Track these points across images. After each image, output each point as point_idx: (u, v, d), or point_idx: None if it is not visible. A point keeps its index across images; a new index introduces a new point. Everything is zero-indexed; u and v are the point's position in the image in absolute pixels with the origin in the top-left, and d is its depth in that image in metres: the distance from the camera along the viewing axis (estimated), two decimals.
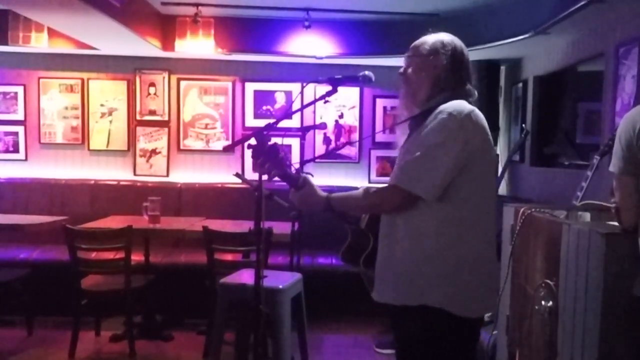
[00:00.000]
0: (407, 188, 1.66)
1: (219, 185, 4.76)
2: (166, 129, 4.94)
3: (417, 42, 1.83)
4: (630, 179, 1.75)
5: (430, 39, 1.80)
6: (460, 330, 1.70)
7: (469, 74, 1.79)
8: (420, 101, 1.79)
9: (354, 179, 4.96)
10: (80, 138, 4.92)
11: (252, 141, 1.79)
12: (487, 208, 1.73)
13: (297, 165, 1.93)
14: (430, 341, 1.70)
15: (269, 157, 1.77)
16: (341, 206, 1.83)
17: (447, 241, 1.66)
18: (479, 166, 1.68)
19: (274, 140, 1.80)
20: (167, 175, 4.93)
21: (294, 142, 4.73)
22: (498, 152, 4.75)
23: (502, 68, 4.70)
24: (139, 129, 4.94)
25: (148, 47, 4.27)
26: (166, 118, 4.94)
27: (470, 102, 1.75)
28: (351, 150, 4.99)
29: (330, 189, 5.30)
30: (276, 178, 1.81)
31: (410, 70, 1.81)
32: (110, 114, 4.93)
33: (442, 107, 1.68)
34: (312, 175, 1.88)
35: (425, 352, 1.72)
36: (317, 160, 2.13)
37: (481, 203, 1.71)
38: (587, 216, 2.28)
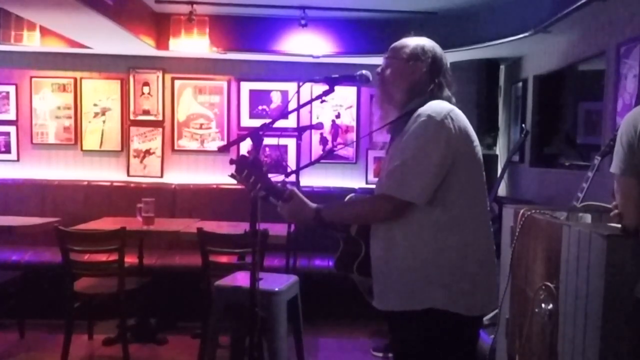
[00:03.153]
0: (397, 195, 1.66)
1: (214, 186, 4.73)
2: (160, 129, 4.91)
3: (397, 44, 1.83)
4: (632, 180, 1.75)
5: (411, 43, 1.81)
6: (464, 330, 1.72)
7: (449, 81, 1.80)
8: (396, 103, 1.80)
9: (351, 180, 4.94)
10: (73, 138, 4.89)
11: (247, 147, 1.79)
12: (480, 206, 1.74)
13: (285, 175, 1.92)
14: (434, 343, 1.70)
15: (253, 170, 1.76)
16: (332, 217, 1.82)
17: (445, 243, 1.67)
18: (465, 165, 1.69)
19: (266, 141, 1.81)
20: (162, 176, 4.90)
21: (290, 143, 4.70)
22: (497, 152, 4.74)
23: (502, 67, 4.69)
24: (133, 129, 4.91)
25: (142, 45, 4.25)
26: (160, 118, 4.91)
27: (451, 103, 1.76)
28: (348, 151, 4.96)
29: (327, 190, 5.29)
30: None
31: (388, 71, 1.81)
32: (103, 113, 4.90)
33: (421, 110, 1.69)
34: (302, 189, 1.88)
35: (429, 355, 1.71)
36: (312, 164, 2.12)
37: (473, 201, 1.72)
38: (587, 217, 2.30)
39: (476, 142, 1.75)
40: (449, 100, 1.77)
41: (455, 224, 1.68)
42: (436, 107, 1.69)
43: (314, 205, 1.81)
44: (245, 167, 1.76)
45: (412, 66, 1.77)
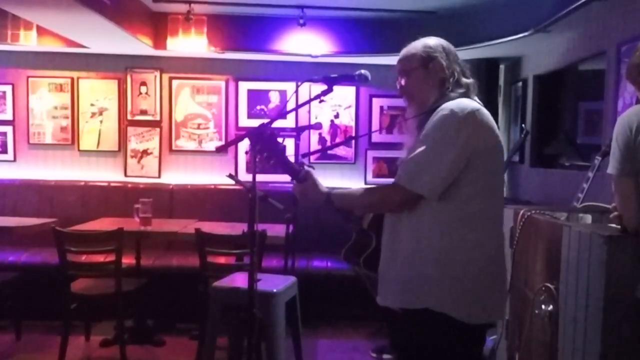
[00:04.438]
0: (407, 186, 1.64)
1: (212, 187, 4.71)
2: (158, 129, 4.89)
3: (405, 54, 1.80)
4: (630, 180, 1.75)
5: (417, 48, 1.77)
6: (464, 335, 1.66)
7: (463, 67, 1.77)
8: (428, 106, 1.75)
9: (350, 180, 4.92)
10: (70, 138, 4.86)
11: (245, 148, 1.76)
12: (493, 209, 1.69)
13: (302, 155, 1.89)
14: (432, 346, 1.67)
15: (267, 145, 1.74)
16: (341, 202, 1.80)
17: (452, 242, 1.63)
18: (484, 165, 1.65)
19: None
20: (159, 177, 4.88)
21: (289, 143, 4.64)
22: None
23: (502, 67, 4.67)
24: (130, 129, 4.88)
25: (139, 45, 4.22)
26: (158, 118, 4.89)
27: (475, 100, 1.73)
28: (347, 151, 4.95)
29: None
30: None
31: (409, 84, 1.77)
32: (100, 113, 4.87)
33: (445, 104, 1.66)
34: (314, 169, 1.85)
35: (427, 357, 1.68)
36: (312, 154, 2.12)
37: (487, 203, 1.67)
38: (588, 218, 2.30)
39: (501, 144, 1.71)
40: (474, 87, 1.74)
41: (465, 224, 1.63)
42: (461, 103, 1.66)
43: (326, 188, 1.80)
44: (260, 141, 1.74)
45: (433, 67, 1.74)
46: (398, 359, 1.85)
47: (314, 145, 4.92)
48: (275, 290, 2.82)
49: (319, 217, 4.01)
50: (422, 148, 1.63)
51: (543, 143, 4.06)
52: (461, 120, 1.61)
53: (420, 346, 1.68)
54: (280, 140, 1.76)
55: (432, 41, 1.78)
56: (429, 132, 1.64)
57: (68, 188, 4.64)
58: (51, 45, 4.37)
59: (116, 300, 3.32)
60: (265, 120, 1.87)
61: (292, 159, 1.79)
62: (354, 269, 1.92)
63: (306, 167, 1.82)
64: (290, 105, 4.42)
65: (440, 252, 1.63)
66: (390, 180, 1.75)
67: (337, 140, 4.92)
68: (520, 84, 4.36)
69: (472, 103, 1.68)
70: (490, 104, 4.37)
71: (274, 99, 4.90)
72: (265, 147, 1.74)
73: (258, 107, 4.89)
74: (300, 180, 1.80)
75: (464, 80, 1.73)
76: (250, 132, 1.75)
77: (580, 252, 1.85)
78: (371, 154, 4.94)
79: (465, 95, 1.71)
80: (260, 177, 1.87)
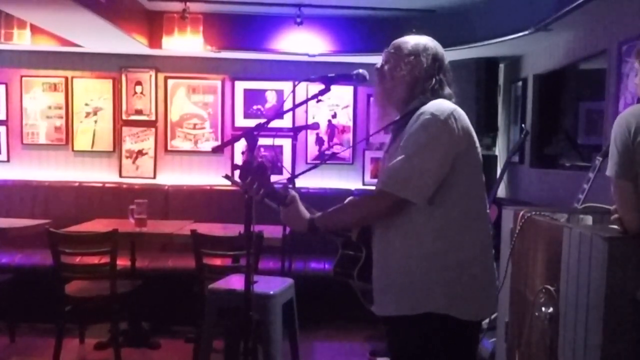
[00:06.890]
0: (394, 192, 1.64)
1: (208, 188, 4.68)
2: (153, 129, 4.86)
3: (398, 40, 1.82)
4: (628, 182, 1.73)
5: (413, 40, 1.80)
6: (463, 335, 1.70)
7: (450, 79, 1.79)
8: (396, 101, 1.78)
9: (347, 181, 4.90)
10: (64, 138, 4.84)
11: (241, 148, 1.76)
12: (479, 209, 1.72)
13: (287, 180, 1.90)
14: (433, 348, 1.68)
15: (256, 176, 1.73)
16: (327, 224, 1.78)
17: (445, 246, 1.65)
18: (467, 166, 1.67)
19: (261, 142, 1.79)
20: (154, 177, 4.85)
21: (286, 143, 4.65)
22: (497, 153, 4.71)
23: (501, 66, 4.66)
24: (125, 129, 4.86)
25: (134, 44, 4.21)
26: (153, 118, 4.86)
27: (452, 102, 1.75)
28: (345, 152, 4.92)
29: (324, 192, 5.24)
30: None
31: (387, 67, 1.80)
32: (95, 113, 4.84)
33: (424, 108, 1.67)
34: (300, 191, 1.85)
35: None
36: (309, 167, 2.13)
37: (473, 204, 1.70)
38: (588, 219, 2.30)
39: (477, 143, 1.73)
40: (450, 98, 1.75)
41: (455, 226, 1.65)
42: (440, 105, 1.67)
43: (308, 215, 1.78)
44: (250, 174, 1.74)
45: (412, 62, 1.75)
46: None
47: (311, 145, 4.89)
48: (272, 292, 2.81)
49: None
50: (407, 153, 1.63)
51: (543, 143, 4.06)
52: (444, 123, 1.63)
53: (422, 349, 1.69)
54: (267, 166, 1.77)
55: (429, 43, 1.79)
56: (412, 137, 1.64)
57: (62, 189, 4.62)
58: (45, 44, 4.34)
59: (111, 302, 3.30)
60: (262, 121, 1.85)
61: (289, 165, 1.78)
62: (347, 284, 1.89)
63: (291, 192, 1.81)
64: (287, 105, 4.43)
65: (435, 256, 1.64)
66: None
67: (335, 140, 4.90)
68: (520, 83, 4.35)
69: (449, 104, 1.70)
70: (489, 103, 4.36)
71: (271, 98, 4.87)
72: (255, 178, 1.74)
73: (254, 107, 4.87)
74: (286, 205, 1.79)
75: (441, 92, 1.74)
76: (240, 166, 1.76)
77: (580, 254, 1.84)
78: (369, 154, 4.92)
79: (438, 98, 1.72)
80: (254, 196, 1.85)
